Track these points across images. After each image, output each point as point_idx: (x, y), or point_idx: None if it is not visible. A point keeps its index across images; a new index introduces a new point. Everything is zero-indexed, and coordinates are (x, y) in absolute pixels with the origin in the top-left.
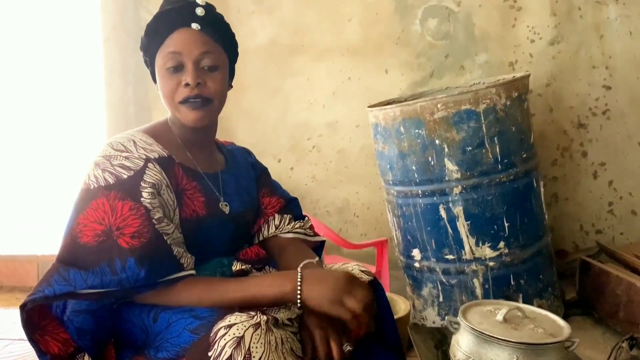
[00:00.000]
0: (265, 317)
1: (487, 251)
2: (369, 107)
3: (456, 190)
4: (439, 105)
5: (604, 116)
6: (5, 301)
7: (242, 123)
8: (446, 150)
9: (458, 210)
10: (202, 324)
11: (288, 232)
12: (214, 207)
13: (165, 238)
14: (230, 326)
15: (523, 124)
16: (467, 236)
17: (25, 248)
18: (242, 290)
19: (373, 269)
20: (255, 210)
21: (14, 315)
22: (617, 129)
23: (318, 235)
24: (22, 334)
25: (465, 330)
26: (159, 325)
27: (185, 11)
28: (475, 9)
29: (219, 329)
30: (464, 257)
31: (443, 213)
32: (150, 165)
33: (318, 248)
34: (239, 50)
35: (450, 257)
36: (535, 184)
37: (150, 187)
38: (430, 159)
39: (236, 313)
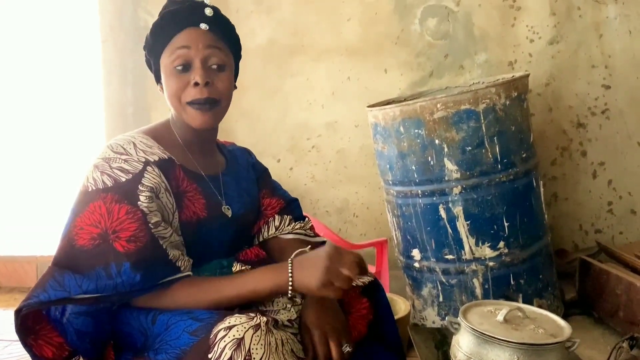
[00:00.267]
0: (265, 319)
1: (487, 251)
2: (368, 107)
3: (456, 190)
4: (438, 105)
5: (604, 115)
6: (5, 302)
7: (241, 123)
8: (446, 150)
9: (458, 210)
10: (201, 326)
11: (288, 233)
12: (214, 209)
13: (162, 242)
14: (230, 328)
15: (523, 124)
16: (466, 236)
17: (24, 249)
18: (237, 286)
19: (373, 269)
20: (256, 211)
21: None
22: (617, 129)
23: (319, 235)
24: None
25: (466, 330)
26: (158, 327)
27: (194, 11)
28: (475, 9)
29: (219, 331)
30: (463, 257)
31: (443, 213)
32: (149, 168)
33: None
34: None
35: (450, 257)
36: (535, 184)
37: (148, 190)
38: (430, 159)
39: (236, 314)
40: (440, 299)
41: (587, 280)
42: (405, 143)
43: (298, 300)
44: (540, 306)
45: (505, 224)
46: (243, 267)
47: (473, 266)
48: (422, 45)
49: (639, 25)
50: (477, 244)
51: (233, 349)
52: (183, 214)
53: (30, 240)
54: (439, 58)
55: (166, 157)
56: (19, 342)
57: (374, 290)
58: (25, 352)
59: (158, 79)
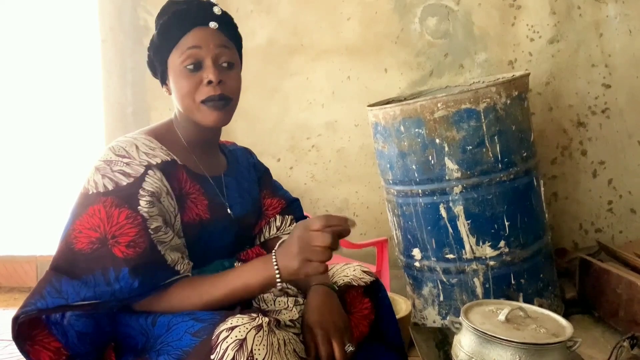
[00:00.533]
0: (267, 319)
1: (487, 250)
2: (368, 106)
3: (456, 190)
4: (439, 105)
5: (604, 115)
6: (4, 302)
7: (240, 123)
8: (446, 149)
9: (458, 209)
10: (203, 327)
11: (289, 233)
12: (217, 210)
13: (161, 248)
14: (232, 328)
15: (523, 123)
16: (467, 235)
17: (24, 248)
18: (229, 284)
19: (373, 269)
20: (257, 212)
21: None
22: (617, 128)
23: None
24: None
25: (468, 330)
26: (159, 328)
27: (203, 10)
28: (475, 8)
29: (221, 332)
30: (464, 257)
31: (443, 212)
32: (150, 172)
33: None
34: None
35: (450, 256)
36: (535, 183)
37: (148, 195)
38: (430, 158)
39: (238, 315)
40: (441, 298)
41: (587, 280)
42: (405, 142)
43: (301, 300)
44: (540, 305)
45: (506, 223)
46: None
47: (474, 265)
48: (422, 45)
49: (639, 24)
50: (477, 243)
51: (235, 349)
52: (186, 215)
53: (29, 240)
54: (438, 57)
55: (169, 159)
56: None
57: (376, 290)
58: None
59: (164, 81)
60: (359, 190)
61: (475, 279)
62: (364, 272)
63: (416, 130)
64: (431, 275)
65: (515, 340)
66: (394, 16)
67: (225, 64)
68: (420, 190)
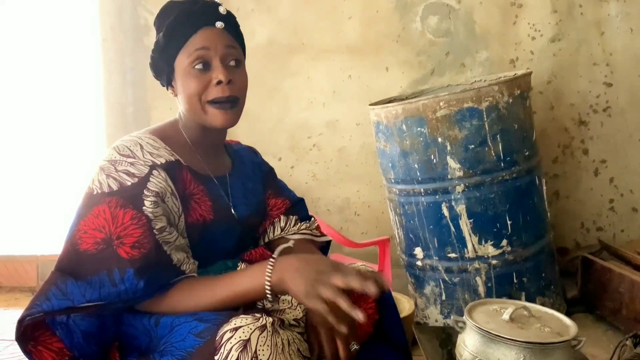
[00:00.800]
0: (271, 319)
1: (489, 249)
2: (370, 105)
3: (459, 189)
4: (441, 103)
5: (605, 113)
6: (5, 302)
7: (241, 122)
8: (449, 148)
9: (460, 208)
10: (207, 328)
11: (294, 233)
12: (221, 211)
13: (166, 248)
14: (236, 329)
15: (525, 122)
16: (469, 234)
17: (24, 248)
18: (231, 286)
19: (375, 268)
20: (262, 212)
21: (15, 316)
22: (618, 126)
23: (325, 235)
24: None
25: (472, 329)
26: (162, 329)
27: (209, 10)
28: (476, 6)
29: (225, 332)
30: (466, 256)
31: (445, 211)
32: (155, 172)
33: (324, 248)
34: None
35: (452, 255)
36: (537, 182)
37: (153, 195)
38: (432, 157)
39: (241, 315)
40: (443, 297)
41: (589, 278)
42: (407, 141)
43: None
44: (542, 304)
45: (508, 222)
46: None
47: (476, 264)
48: (423, 43)
49: None
50: (480, 242)
51: (239, 350)
52: (189, 216)
53: (30, 239)
54: (440, 56)
55: (173, 160)
56: (14, 340)
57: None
58: None
59: (169, 82)
60: (360, 189)
61: (478, 278)
62: (369, 271)
63: (418, 129)
64: (433, 274)
65: (520, 340)
66: (395, 15)
67: (233, 63)
68: (422, 189)
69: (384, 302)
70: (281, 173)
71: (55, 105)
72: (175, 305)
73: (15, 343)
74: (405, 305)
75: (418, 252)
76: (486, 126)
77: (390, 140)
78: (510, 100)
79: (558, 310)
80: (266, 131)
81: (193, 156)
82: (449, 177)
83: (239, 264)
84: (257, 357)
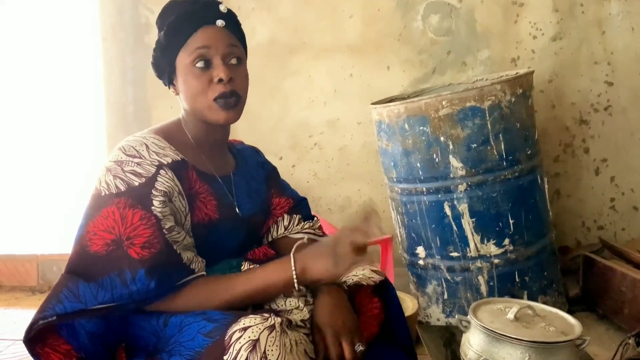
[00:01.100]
0: (279, 319)
1: (492, 248)
2: (372, 104)
3: (461, 188)
4: (443, 102)
5: (606, 112)
6: (5, 301)
7: (242, 122)
8: (451, 147)
9: (463, 207)
10: (215, 327)
11: (297, 232)
12: (226, 210)
13: (175, 247)
14: (245, 329)
15: (527, 121)
16: (472, 233)
17: (24, 247)
18: (248, 284)
19: (377, 267)
20: (266, 211)
21: (15, 315)
22: (619, 125)
23: (327, 235)
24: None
25: (477, 329)
26: (170, 329)
27: (210, 8)
28: (477, 5)
29: (234, 332)
30: (468, 255)
31: (448, 210)
32: (162, 172)
33: None
34: None
35: (455, 254)
36: (539, 181)
37: (161, 195)
38: (435, 156)
39: (250, 315)
40: (445, 296)
41: (591, 277)
42: (410, 140)
43: (310, 299)
44: (544, 303)
45: (511, 221)
46: (252, 266)
47: (478, 263)
48: (424, 42)
49: None
50: (482, 241)
51: (249, 350)
52: (195, 216)
53: (31, 238)
54: (441, 55)
55: (179, 159)
56: (22, 342)
57: (385, 289)
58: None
59: (171, 81)
60: (361, 188)
61: (480, 277)
62: (373, 271)
63: (421, 128)
64: (435, 273)
65: (525, 339)
66: (396, 14)
67: (234, 61)
68: (424, 188)
69: (389, 301)
70: (282, 172)
71: (55, 104)
72: (189, 304)
73: (17, 343)
74: (408, 304)
75: (420, 251)
76: (488, 125)
77: (393, 140)
78: (513, 99)
79: (560, 309)
80: (267, 130)
81: (197, 155)
82: (452, 176)
83: (242, 263)
84: (266, 357)
